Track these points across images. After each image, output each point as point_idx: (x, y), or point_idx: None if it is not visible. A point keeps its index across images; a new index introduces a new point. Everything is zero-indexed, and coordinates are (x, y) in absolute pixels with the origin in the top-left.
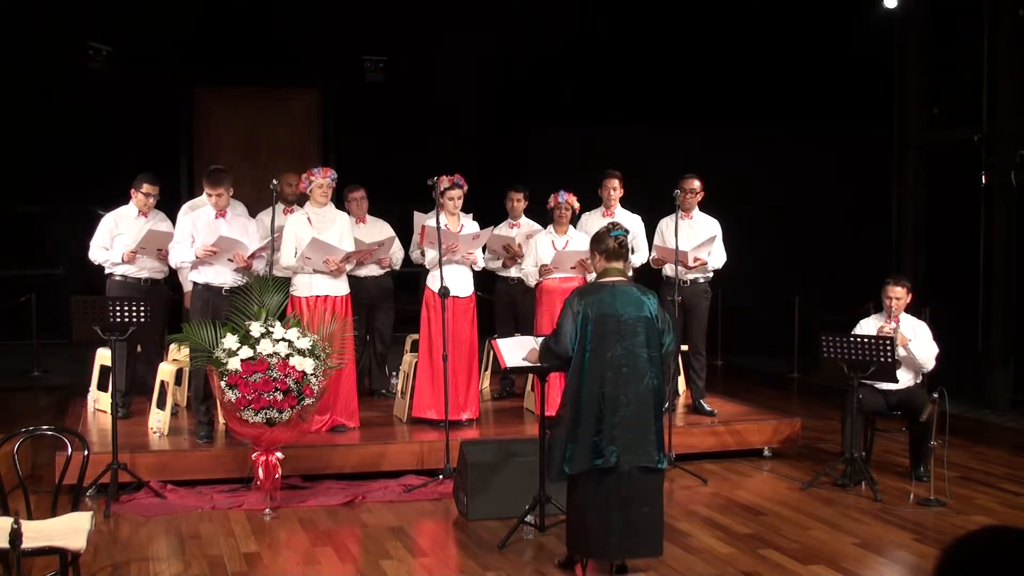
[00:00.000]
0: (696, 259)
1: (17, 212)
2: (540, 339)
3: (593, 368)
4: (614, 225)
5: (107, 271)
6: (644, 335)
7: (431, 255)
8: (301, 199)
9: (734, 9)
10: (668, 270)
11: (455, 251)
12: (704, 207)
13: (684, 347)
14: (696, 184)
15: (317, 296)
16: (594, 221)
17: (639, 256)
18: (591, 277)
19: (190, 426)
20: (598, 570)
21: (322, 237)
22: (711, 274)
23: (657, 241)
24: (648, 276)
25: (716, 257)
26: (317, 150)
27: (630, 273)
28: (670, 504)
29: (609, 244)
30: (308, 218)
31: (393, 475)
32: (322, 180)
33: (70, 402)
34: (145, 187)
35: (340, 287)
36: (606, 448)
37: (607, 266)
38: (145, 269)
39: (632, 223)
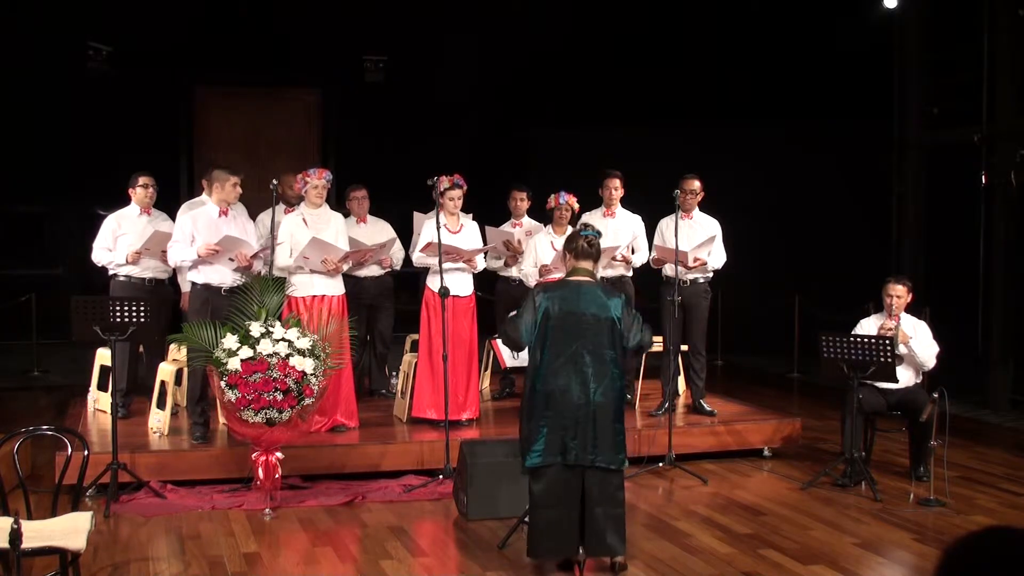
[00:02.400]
0: (696, 259)
1: (17, 212)
2: None
3: (554, 366)
4: (585, 225)
5: (111, 272)
6: (607, 336)
7: (430, 259)
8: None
9: (734, 9)
10: (668, 270)
11: (454, 260)
12: (704, 207)
13: (684, 347)
14: (696, 184)
15: (314, 296)
16: (594, 221)
17: (640, 256)
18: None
19: (190, 426)
20: (596, 569)
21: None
22: (711, 274)
23: (657, 241)
24: (648, 276)
25: (716, 257)
26: (317, 150)
27: (599, 275)
28: (670, 504)
29: (579, 244)
30: (304, 219)
31: (393, 475)
32: (317, 181)
33: (70, 402)
34: (142, 180)
35: (336, 287)
36: (562, 446)
37: (576, 265)
38: (149, 269)
39: (633, 223)
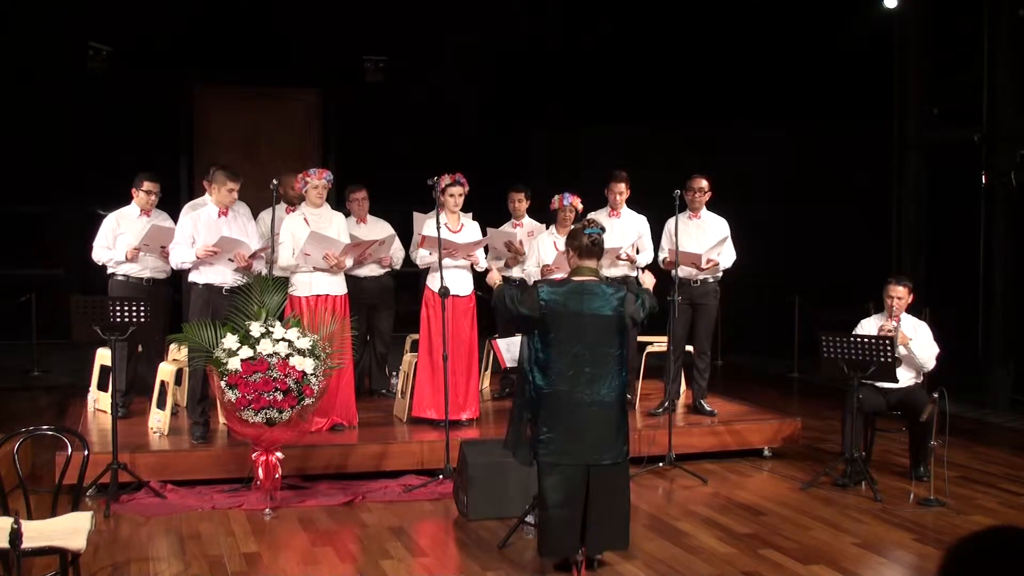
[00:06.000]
0: (709, 261)
1: (17, 212)
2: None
3: (557, 367)
4: (590, 222)
5: (109, 271)
6: (610, 333)
7: (432, 257)
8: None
9: (734, 9)
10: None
11: (454, 256)
12: (709, 206)
13: (689, 347)
14: (704, 183)
15: (317, 296)
16: (600, 221)
17: (645, 256)
18: None
19: (190, 426)
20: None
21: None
22: (720, 273)
23: (667, 244)
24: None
25: (726, 256)
26: (317, 150)
27: (603, 273)
28: (670, 504)
29: (583, 241)
30: (305, 218)
31: (393, 475)
32: (317, 181)
33: (70, 402)
34: (146, 185)
35: (338, 286)
36: (570, 447)
37: (579, 264)
38: (147, 269)
39: (638, 223)
